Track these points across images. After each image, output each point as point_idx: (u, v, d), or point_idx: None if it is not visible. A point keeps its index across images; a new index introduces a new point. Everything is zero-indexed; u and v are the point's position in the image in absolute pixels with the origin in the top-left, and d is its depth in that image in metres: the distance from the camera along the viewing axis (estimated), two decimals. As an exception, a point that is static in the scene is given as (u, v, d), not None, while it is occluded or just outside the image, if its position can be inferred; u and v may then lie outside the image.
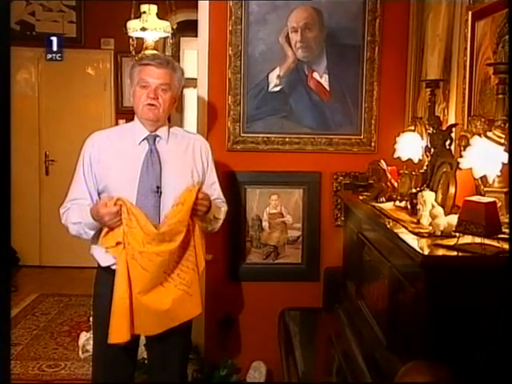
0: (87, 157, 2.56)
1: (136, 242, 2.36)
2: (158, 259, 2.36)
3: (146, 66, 2.51)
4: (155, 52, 5.19)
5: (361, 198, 2.86)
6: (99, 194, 2.55)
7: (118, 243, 2.41)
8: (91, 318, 3.02)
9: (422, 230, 2.06)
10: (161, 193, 2.48)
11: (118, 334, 2.41)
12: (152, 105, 2.50)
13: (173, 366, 2.66)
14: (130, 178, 2.48)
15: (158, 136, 2.57)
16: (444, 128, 2.57)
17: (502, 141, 1.96)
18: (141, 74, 2.51)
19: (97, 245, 2.54)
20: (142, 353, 2.87)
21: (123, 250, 2.39)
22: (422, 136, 2.71)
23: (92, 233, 2.50)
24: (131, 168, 2.50)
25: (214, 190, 2.72)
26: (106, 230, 2.44)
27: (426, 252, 1.84)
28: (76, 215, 2.51)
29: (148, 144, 2.55)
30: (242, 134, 3.45)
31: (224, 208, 2.74)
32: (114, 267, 2.46)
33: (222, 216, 2.69)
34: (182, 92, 7.55)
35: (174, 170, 2.54)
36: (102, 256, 2.52)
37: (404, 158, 2.76)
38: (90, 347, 3.60)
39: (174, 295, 2.42)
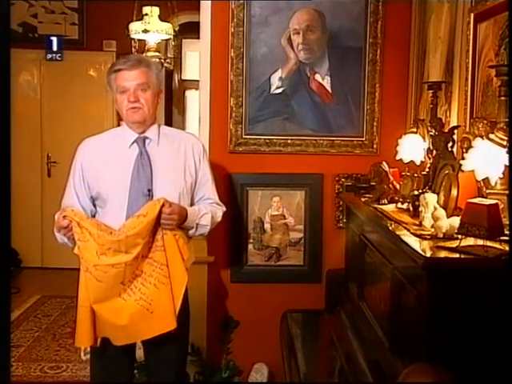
0: (79, 165, 2.55)
1: (90, 255, 2.33)
2: (112, 271, 2.33)
3: (119, 71, 2.47)
4: (156, 54, 5.20)
5: (363, 199, 2.86)
6: (93, 200, 2.55)
7: None
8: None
9: (424, 232, 2.06)
10: (152, 196, 2.45)
11: (81, 338, 2.45)
12: (135, 107, 2.47)
13: (169, 371, 2.63)
14: (122, 182, 2.46)
15: (147, 138, 2.54)
16: (446, 130, 2.57)
17: (505, 143, 1.96)
18: (117, 81, 2.48)
19: None
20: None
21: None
22: (424, 138, 2.71)
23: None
24: (122, 172, 2.48)
25: (206, 190, 2.66)
26: None
27: (428, 254, 1.84)
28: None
29: (138, 147, 2.53)
30: (244, 136, 3.45)
31: (214, 212, 2.64)
32: None
33: (209, 222, 2.59)
34: (183, 94, 7.59)
35: (166, 172, 2.52)
36: None
37: (406, 160, 2.76)
38: (91, 349, 3.60)
39: (133, 310, 2.37)
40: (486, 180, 2.04)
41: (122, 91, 2.48)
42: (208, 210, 2.61)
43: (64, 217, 2.35)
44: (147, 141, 2.55)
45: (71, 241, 2.45)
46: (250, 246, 3.52)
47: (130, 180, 2.47)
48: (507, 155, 1.92)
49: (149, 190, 2.46)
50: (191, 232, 2.57)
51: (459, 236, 1.87)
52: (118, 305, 2.38)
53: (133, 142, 2.53)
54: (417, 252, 1.85)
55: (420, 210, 2.23)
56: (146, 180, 2.47)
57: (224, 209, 2.75)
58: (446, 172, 2.30)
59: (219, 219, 2.71)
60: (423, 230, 2.09)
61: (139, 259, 2.36)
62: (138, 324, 2.39)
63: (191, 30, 5.26)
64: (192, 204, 2.61)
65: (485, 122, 2.17)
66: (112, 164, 2.53)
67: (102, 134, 2.68)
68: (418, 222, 2.22)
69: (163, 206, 2.35)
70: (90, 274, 2.35)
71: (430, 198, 2.17)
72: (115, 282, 2.36)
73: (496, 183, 2.04)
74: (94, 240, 2.32)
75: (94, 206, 2.57)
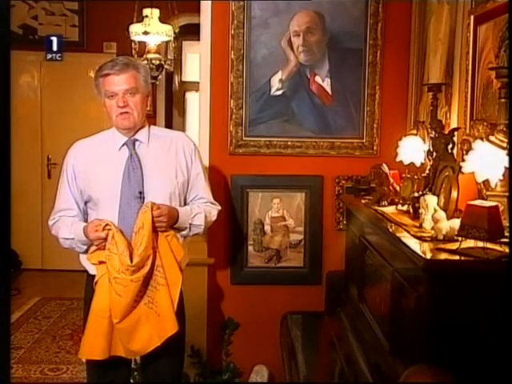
0: (70, 168, 2.54)
1: (112, 268, 2.35)
2: (132, 285, 2.34)
3: (107, 76, 2.44)
4: (157, 55, 5.21)
5: (363, 201, 2.86)
6: (86, 203, 2.55)
7: (100, 262, 2.42)
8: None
9: (424, 234, 2.06)
10: (144, 198, 2.45)
11: (90, 350, 2.42)
12: (124, 113, 2.45)
13: (166, 376, 2.64)
14: (112, 185, 2.46)
15: (137, 140, 2.53)
16: (446, 132, 2.57)
17: (505, 145, 1.96)
18: (105, 85, 2.45)
19: (85, 255, 2.54)
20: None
21: (106, 272, 2.39)
22: (424, 140, 2.71)
23: (85, 247, 2.51)
24: (113, 176, 2.47)
25: (199, 190, 2.64)
26: (94, 246, 2.45)
27: (429, 256, 1.84)
28: (67, 231, 2.51)
29: (128, 149, 2.51)
30: (244, 138, 3.45)
31: (207, 212, 2.62)
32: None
33: (202, 222, 2.58)
34: (184, 96, 7.59)
35: (157, 174, 2.51)
36: (90, 264, 2.51)
37: (406, 162, 2.76)
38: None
39: (144, 314, 2.39)
40: (486, 182, 2.04)
41: (110, 96, 2.46)
42: (201, 210, 2.60)
43: (104, 227, 2.36)
44: (137, 143, 2.53)
45: (84, 248, 2.50)
46: (250, 248, 3.51)
47: (120, 183, 2.46)
48: (507, 157, 1.92)
49: (140, 193, 2.46)
50: (185, 232, 2.57)
51: (459, 238, 1.87)
52: (133, 316, 2.39)
53: (122, 145, 2.52)
54: (417, 254, 1.85)
55: (420, 211, 2.23)
56: (136, 182, 2.46)
57: (219, 207, 2.72)
58: (446, 174, 2.30)
59: (214, 218, 2.69)
60: (423, 232, 2.09)
61: (153, 266, 2.39)
62: (149, 328, 2.39)
63: (191, 31, 5.25)
64: (185, 204, 2.61)
65: (485, 123, 2.17)
66: (102, 167, 2.52)
67: (92, 137, 2.66)
68: (418, 224, 2.21)
69: (152, 209, 2.37)
70: (111, 286, 2.36)
71: (430, 200, 2.17)
72: (133, 296, 2.37)
73: (496, 185, 2.04)
74: (119, 256, 2.34)
75: (86, 207, 2.58)
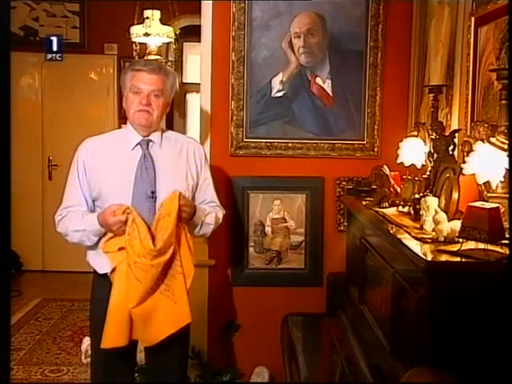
0: (81, 163, 2.54)
1: (133, 252, 2.35)
2: (152, 270, 2.35)
3: (138, 71, 2.49)
4: (158, 57, 5.21)
5: (364, 203, 2.86)
6: (93, 200, 2.55)
7: (119, 249, 2.41)
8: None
9: (425, 236, 2.06)
10: (156, 198, 2.48)
11: (114, 338, 2.40)
12: (145, 111, 2.49)
13: (172, 375, 2.65)
14: (124, 183, 2.47)
15: (151, 141, 2.56)
16: (447, 133, 2.57)
17: (506, 146, 1.95)
18: (133, 80, 2.50)
19: (94, 251, 2.54)
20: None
21: (124, 258, 2.39)
22: (425, 141, 2.71)
23: (96, 239, 2.50)
24: (125, 174, 2.49)
25: (208, 194, 2.71)
26: (109, 234, 2.45)
27: (430, 258, 1.84)
28: (78, 222, 2.50)
29: (141, 149, 2.54)
30: (244, 139, 3.45)
31: (217, 213, 2.70)
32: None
33: (213, 221, 2.66)
34: (184, 97, 7.60)
35: (169, 175, 2.54)
36: (99, 263, 2.52)
37: (407, 164, 2.76)
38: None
39: (159, 301, 2.41)
40: (487, 183, 2.04)
41: (135, 92, 2.50)
42: (212, 210, 2.68)
43: (124, 210, 2.37)
44: (150, 143, 2.56)
45: (95, 240, 2.49)
46: (251, 250, 3.51)
47: (133, 181, 2.48)
48: (508, 159, 1.92)
49: (152, 192, 2.48)
50: (196, 230, 2.61)
51: (460, 240, 1.87)
52: (149, 302, 2.41)
53: (136, 144, 2.55)
54: (418, 255, 1.85)
55: (421, 213, 2.23)
56: (149, 182, 2.49)
57: (224, 211, 2.79)
58: (447, 175, 2.30)
59: (220, 221, 2.75)
60: (424, 234, 2.09)
61: (173, 255, 2.42)
62: (165, 316, 2.41)
63: (192, 33, 5.26)
64: None
65: (486, 125, 2.18)
66: (114, 165, 2.54)
67: (103, 135, 2.68)
68: (418, 226, 2.22)
69: (179, 198, 2.41)
70: (130, 271, 2.36)
71: (431, 202, 2.17)
72: (152, 282, 2.38)
73: (497, 187, 2.04)
74: (140, 240, 2.35)
75: (94, 205, 2.58)
